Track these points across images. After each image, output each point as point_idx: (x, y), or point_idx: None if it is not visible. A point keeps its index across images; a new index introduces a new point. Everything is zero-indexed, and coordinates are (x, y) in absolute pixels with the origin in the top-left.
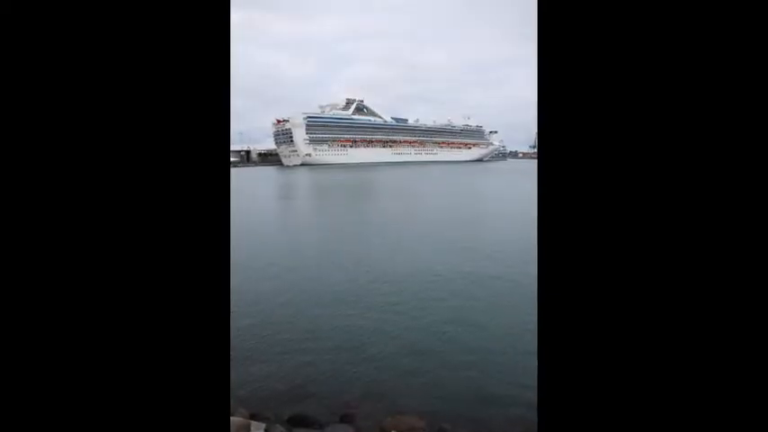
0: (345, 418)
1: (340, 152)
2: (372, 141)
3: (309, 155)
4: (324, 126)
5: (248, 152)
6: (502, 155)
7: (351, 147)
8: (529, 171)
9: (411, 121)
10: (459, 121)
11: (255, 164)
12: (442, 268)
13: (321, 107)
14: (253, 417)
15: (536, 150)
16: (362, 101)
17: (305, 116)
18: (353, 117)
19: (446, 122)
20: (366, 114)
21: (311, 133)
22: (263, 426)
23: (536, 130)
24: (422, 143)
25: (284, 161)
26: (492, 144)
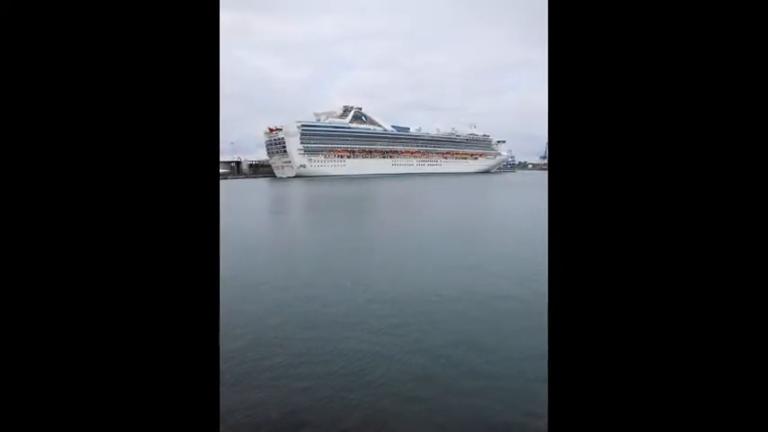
0: None
1: (337, 163)
2: (371, 152)
3: (304, 166)
4: (319, 135)
5: (239, 163)
6: (510, 166)
7: (348, 157)
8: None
9: (413, 130)
10: (464, 130)
11: (246, 176)
12: (445, 287)
13: (316, 115)
14: None
15: (547, 161)
16: (360, 108)
17: (299, 124)
18: (351, 126)
19: (450, 131)
20: (365, 123)
21: (306, 143)
22: None
23: (546, 140)
24: (424, 153)
25: (277, 173)
26: (500, 154)
